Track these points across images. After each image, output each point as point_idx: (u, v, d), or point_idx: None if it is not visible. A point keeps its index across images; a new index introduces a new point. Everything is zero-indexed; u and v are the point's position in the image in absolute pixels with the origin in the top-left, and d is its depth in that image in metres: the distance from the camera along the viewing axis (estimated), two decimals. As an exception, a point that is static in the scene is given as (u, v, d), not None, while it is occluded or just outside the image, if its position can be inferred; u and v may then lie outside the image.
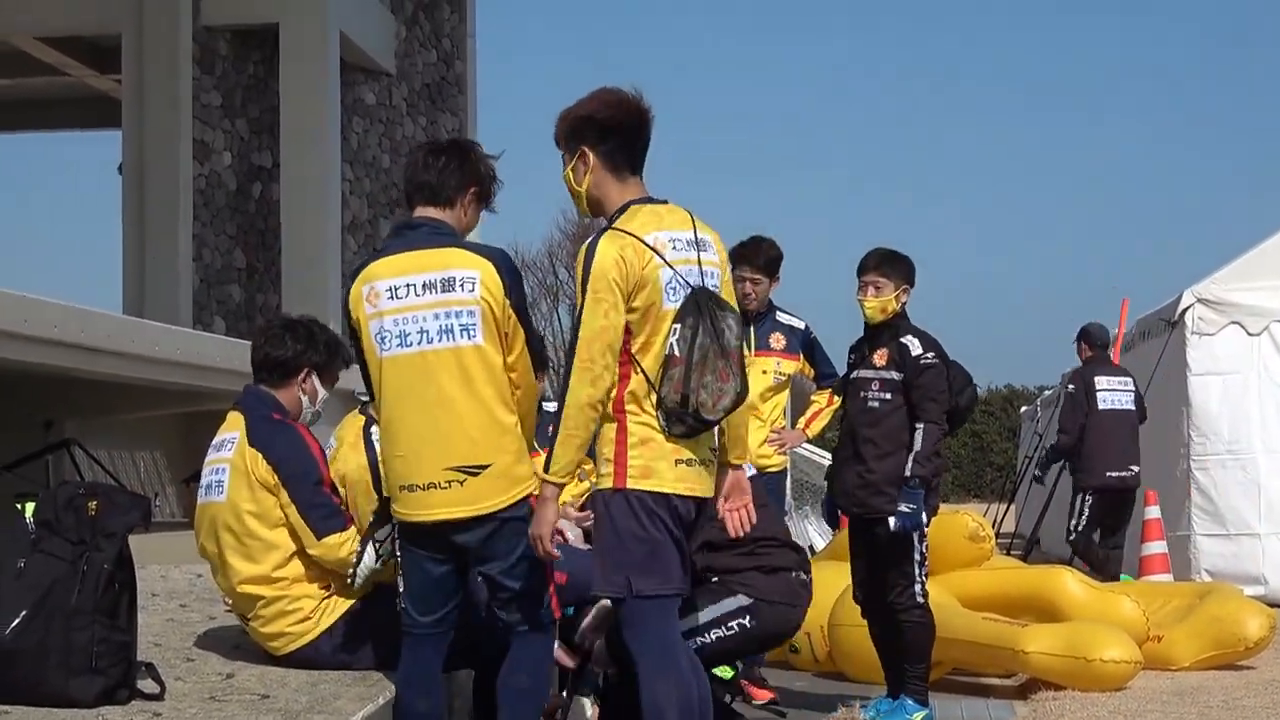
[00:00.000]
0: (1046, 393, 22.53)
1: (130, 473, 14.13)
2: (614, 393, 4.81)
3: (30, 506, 5.45)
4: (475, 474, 4.87)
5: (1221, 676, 8.17)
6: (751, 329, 7.41)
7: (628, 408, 4.82)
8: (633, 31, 73.18)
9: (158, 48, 17.54)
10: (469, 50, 22.04)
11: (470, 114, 21.75)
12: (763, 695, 7.33)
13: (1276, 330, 12.51)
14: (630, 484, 4.76)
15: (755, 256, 7.60)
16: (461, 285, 4.81)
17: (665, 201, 5.01)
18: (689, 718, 4.80)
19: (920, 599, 6.82)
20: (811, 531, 18.60)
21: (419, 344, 4.89)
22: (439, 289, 4.81)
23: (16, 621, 5.06)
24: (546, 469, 4.75)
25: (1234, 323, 12.63)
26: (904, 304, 6.97)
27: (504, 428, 4.94)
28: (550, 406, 7.75)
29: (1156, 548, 11.81)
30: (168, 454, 15.35)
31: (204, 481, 5.96)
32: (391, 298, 4.89)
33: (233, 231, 18.53)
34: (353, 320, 5.02)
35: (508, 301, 4.93)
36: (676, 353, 4.66)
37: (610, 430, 4.85)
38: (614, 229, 4.84)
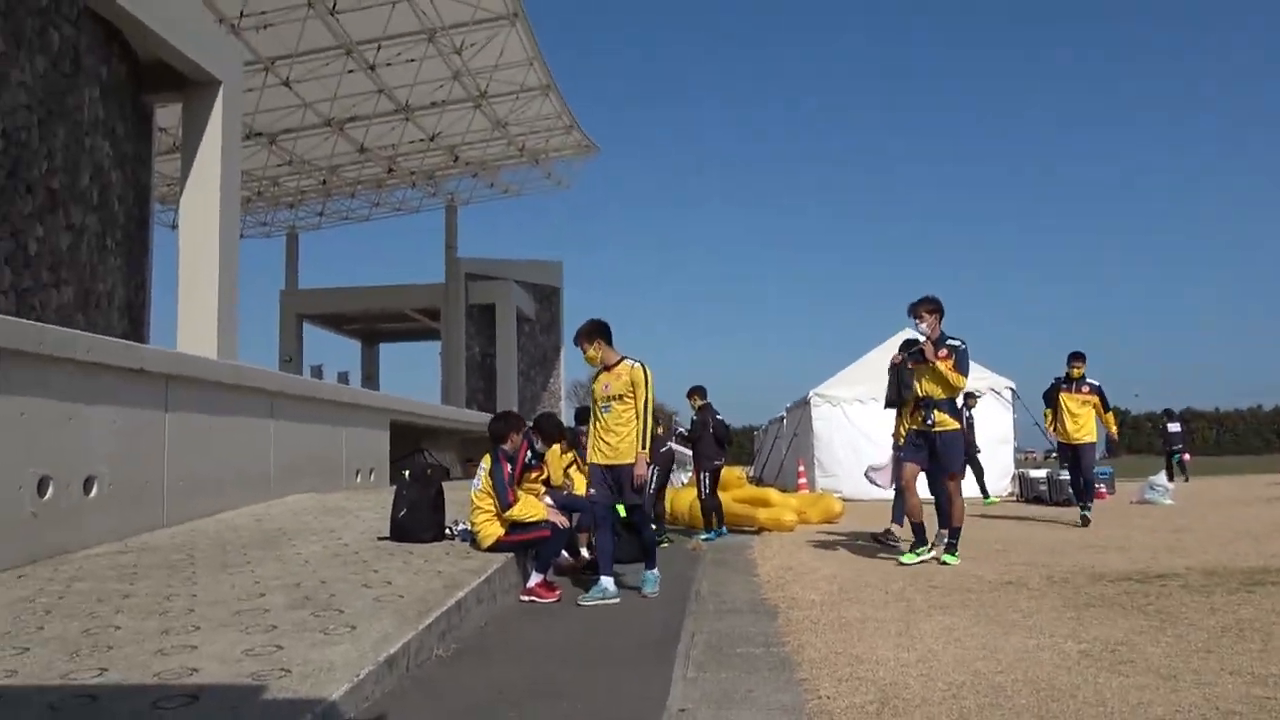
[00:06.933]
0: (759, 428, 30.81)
1: (446, 460, 21.70)
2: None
3: (408, 472, 9.16)
4: None
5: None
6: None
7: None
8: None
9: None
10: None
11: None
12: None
13: (846, 407, 19.60)
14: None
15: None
16: None
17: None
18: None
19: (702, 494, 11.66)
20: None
21: None
22: None
23: (404, 512, 8.84)
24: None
25: (829, 403, 20.01)
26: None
27: None
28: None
29: (806, 484, 19.81)
30: (455, 455, 23.23)
31: (477, 480, 8.58)
32: None
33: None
34: None
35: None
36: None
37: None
38: (644, 363, 7.79)
